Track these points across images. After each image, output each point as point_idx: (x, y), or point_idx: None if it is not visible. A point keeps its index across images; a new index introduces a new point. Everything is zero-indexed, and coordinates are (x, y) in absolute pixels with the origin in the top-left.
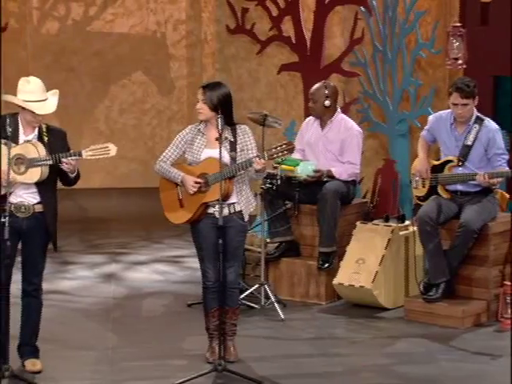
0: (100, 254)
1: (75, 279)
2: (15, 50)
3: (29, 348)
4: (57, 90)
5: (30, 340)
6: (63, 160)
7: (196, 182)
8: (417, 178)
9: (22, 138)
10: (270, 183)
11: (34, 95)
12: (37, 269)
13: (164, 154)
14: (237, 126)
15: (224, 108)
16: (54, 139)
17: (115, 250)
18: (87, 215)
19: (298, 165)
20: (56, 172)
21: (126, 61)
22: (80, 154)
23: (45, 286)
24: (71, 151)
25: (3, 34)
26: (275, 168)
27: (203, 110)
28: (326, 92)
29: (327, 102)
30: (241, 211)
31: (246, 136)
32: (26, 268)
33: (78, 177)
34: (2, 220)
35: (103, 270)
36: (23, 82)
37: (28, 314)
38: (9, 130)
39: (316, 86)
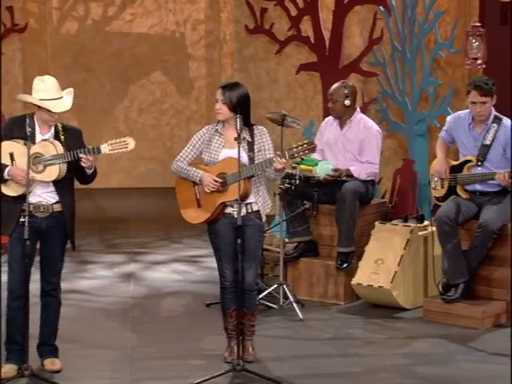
0: (119, 254)
1: (94, 279)
2: (35, 50)
3: (48, 347)
4: (72, 89)
5: (49, 339)
6: (81, 156)
7: (215, 181)
8: (436, 179)
9: (38, 137)
10: (288, 183)
11: (49, 93)
12: (55, 268)
13: (181, 153)
14: (254, 127)
15: (242, 108)
16: (71, 138)
17: (134, 250)
18: (106, 215)
19: (316, 165)
20: (73, 170)
21: (144, 61)
22: (99, 150)
23: (64, 285)
24: (89, 147)
25: (23, 35)
26: (294, 168)
27: (222, 110)
28: (346, 91)
29: (347, 102)
30: (258, 211)
31: (264, 137)
32: (44, 267)
33: (95, 174)
34: (22, 220)
35: (122, 269)
36: (38, 82)
37: (47, 313)
38: (28, 129)
39: (335, 85)
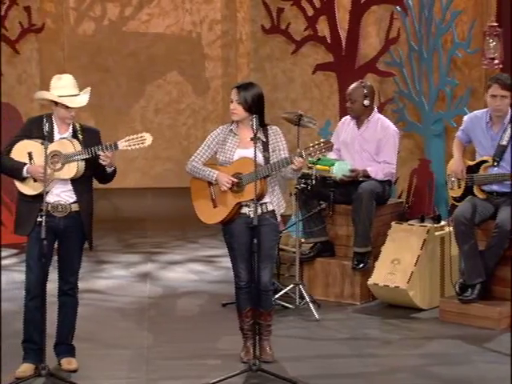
0: (135, 254)
1: (111, 278)
2: (52, 50)
3: (65, 347)
4: (89, 88)
5: (67, 339)
6: (100, 153)
7: (231, 180)
8: (452, 179)
9: (57, 136)
10: (304, 183)
11: (66, 90)
12: (73, 268)
13: (195, 154)
14: (268, 127)
15: (257, 108)
16: (89, 137)
17: (150, 250)
18: (122, 215)
19: (333, 165)
20: (92, 169)
21: (161, 61)
22: (116, 145)
23: (80, 284)
24: (107, 143)
25: (40, 35)
26: (310, 168)
27: (237, 110)
28: (365, 91)
29: (366, 102)
30: (273, 211)
31: (278, 137)
32: (62, 267)
33: (114, 173)
34: (39, 219)
35: (138, 269)
36: (55, 79)
37: (64, 312)
38: (46, 129)
39: (353, 85)
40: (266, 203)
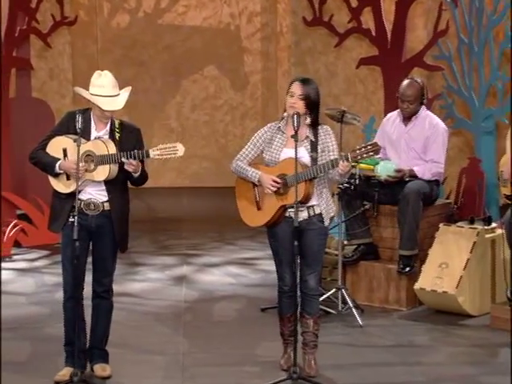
0: (171, 256)
1: (145, 281)
2: (85, 43)
3: (98, 352)
4: (129, 87)
5: (100, 343)
6: (124, 160)
7: (274, 181)
8: (505, 176)
9: (93, 133)
10: (347, 183)
11: (103, 90)
12: (107, 270)
13: (241, 152)
14: (319, 126)
15: (315, 106)
16: (127, 136)
17: (186, 252)
18: (157, 215)
19: (377, 164)
20: (125, 171)
21: (198, 55)
22: (148, 154)
23: (114, 287)
24: (137, 151)
25: (73, 28)
26: (353, 167)
27: (298, 105)
28: (422, 90)
29: (424, 101)
30: (321, 214)
31: (328, 137)
32: (96, 268)
33: (144, 177)
34: (71, 219)
35: (174, 272)
36: (96, 75)
37: (98, 315)
38: (78, 126)
39: (407, 83)
40: (313, 206)
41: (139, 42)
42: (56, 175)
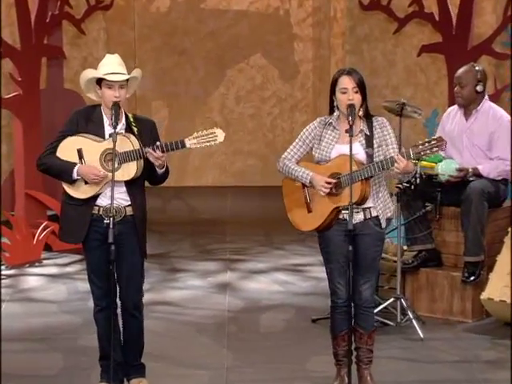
0: (213, 261)
1: (185, 289)
2: (121, 30)
3: (134, 366)
4: (138, 69)
5: (134, 359)
6: (149, 150)
7: (328, 183)
8: None
9: (107, 129)
10: (407, 182)
11: (109, 67)
12: (135, 283)
13: (289, 150)
14: (373, 118)
15: (365, 96)
16: (144, 130)
17: (230, 257)
18: (199, 216)
19: (440, 161)
20: (146, 169)
21: (244, 42)
22: (183, 144)
23: (152, 296)
24: (172, 142)
25: (109, 13)
26: (415, 164)
27: (356, 100)
28: (478, 76)
29: (479, 88)
30: (377, 217)
31: (385, 129)
32: (122, 283)
33: (166, 174)
34: (106, 221)
35: (217, 278)
36: (103, 59)
37: (129, 334)
38: (112, 120)
39: (464, 68)
40: (369, 208)
41: (180, 28)
42: (73, 181)
